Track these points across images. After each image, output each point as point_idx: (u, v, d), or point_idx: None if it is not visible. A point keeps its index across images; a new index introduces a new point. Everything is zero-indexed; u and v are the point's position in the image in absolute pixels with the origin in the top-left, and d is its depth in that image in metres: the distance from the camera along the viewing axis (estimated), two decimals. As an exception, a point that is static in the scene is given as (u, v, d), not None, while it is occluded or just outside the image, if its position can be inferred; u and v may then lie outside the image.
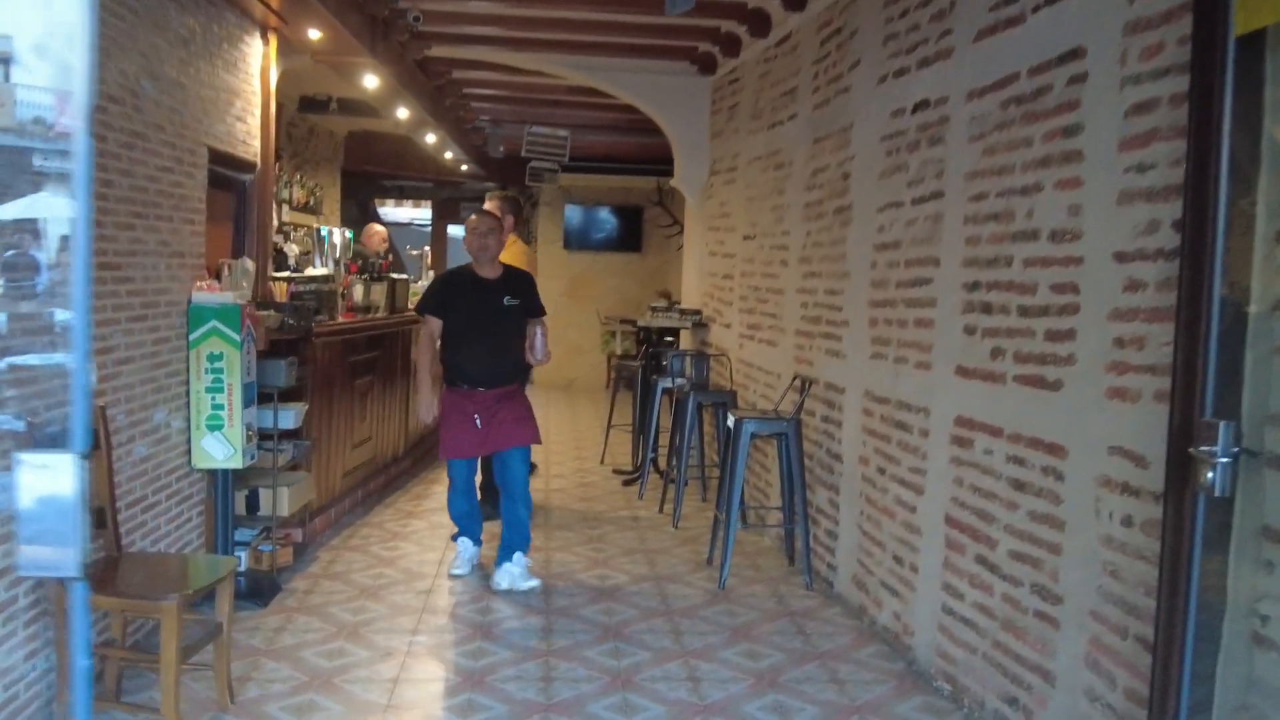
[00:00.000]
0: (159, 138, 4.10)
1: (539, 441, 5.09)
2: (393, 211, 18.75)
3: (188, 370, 4.44)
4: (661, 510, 6.54)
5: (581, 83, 7.86)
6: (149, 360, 4.08)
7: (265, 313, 4.84)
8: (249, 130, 5.19)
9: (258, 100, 5.31)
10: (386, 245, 8.94)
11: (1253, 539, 2.37)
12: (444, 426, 5.07)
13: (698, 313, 7.74)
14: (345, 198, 13.50)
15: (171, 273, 4.28)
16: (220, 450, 4.48)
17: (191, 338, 4.43)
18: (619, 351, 12.71)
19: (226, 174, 5.09)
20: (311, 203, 10.14)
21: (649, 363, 7.53)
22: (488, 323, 4.98)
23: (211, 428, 4.47)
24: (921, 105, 4.18)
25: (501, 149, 10.55)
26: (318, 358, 5.53)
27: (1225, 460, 2.25)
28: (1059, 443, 3.18)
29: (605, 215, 13.80)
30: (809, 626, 4.53)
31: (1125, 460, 2.86)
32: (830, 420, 5.09)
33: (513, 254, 6.06)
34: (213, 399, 4.45)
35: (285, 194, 9.38)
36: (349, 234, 7.01)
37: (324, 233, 6.57)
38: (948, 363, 3.90)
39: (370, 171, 13.27)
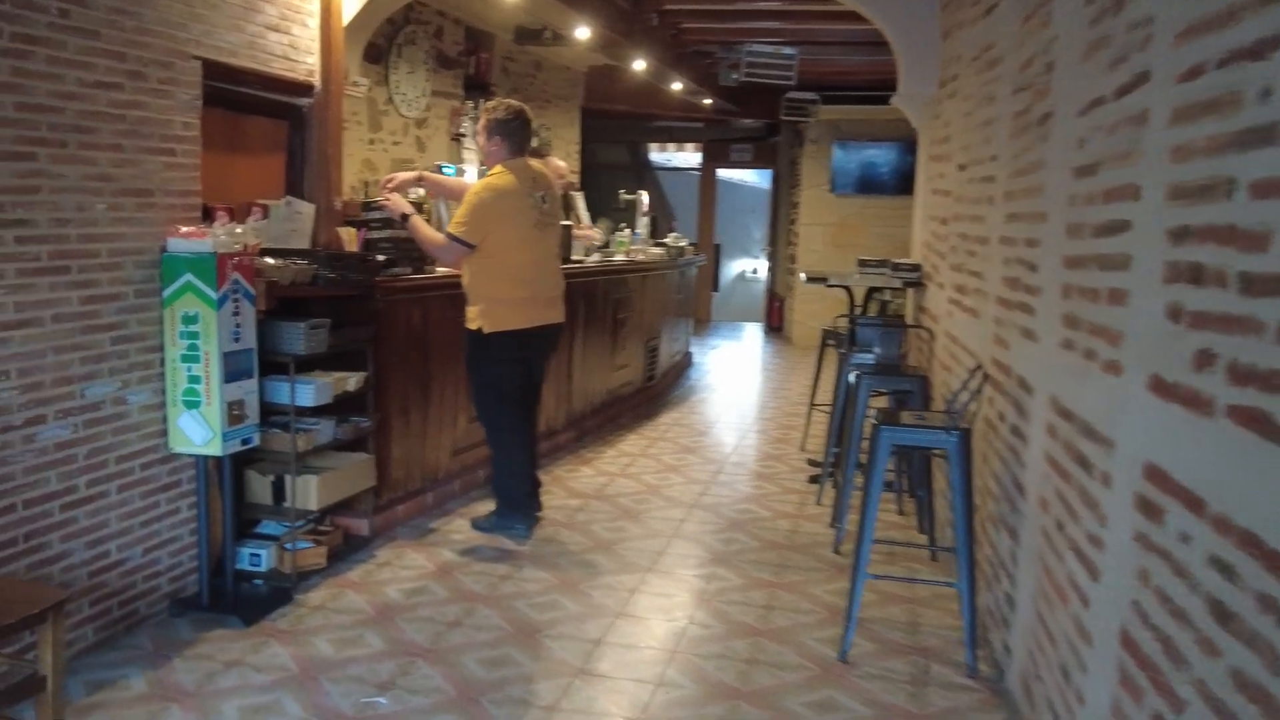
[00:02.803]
0: (84, 45, 3.27)
1: None
2: (674, 156, 17.72)
3: (162, 335, 3.66)
4: (833, 524, 5.09)
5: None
6: (74, 323, 3.30)
7: (280, 263, 3.96)
8: (294, 44, 4.31)
9: (314, 8, 4.42)
10: (563, 185, 7.69)
11: None
12: None
13: (916, 268, 6.02)
14: (598, 140, 12.69)
15: (126, 215, 3.48)
16: (198, 432, 3.67)
17: (165, 294, 3.64)
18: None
19: (263, 96, 4.25)
20: (536, 144, 9.39)
21: (848, 334, 5.99)
22: None
23: (189, 405, 3.67)
24: (1135, -72, 2.48)
25: (734, 76, 9.20)
26: (392, 319, 4.63)
27: None
28: (1290, 557, 1.55)
29: (876, 153, 12.00)
30: (936, 746, 3.03)
31: None
32: (1018, 434, 3.46)
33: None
34: (189, 370, 3.64)
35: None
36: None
37: (450, 171, 5.66)
38: (1140, 366, 2.25)
39: (624, 112, 12.31)
